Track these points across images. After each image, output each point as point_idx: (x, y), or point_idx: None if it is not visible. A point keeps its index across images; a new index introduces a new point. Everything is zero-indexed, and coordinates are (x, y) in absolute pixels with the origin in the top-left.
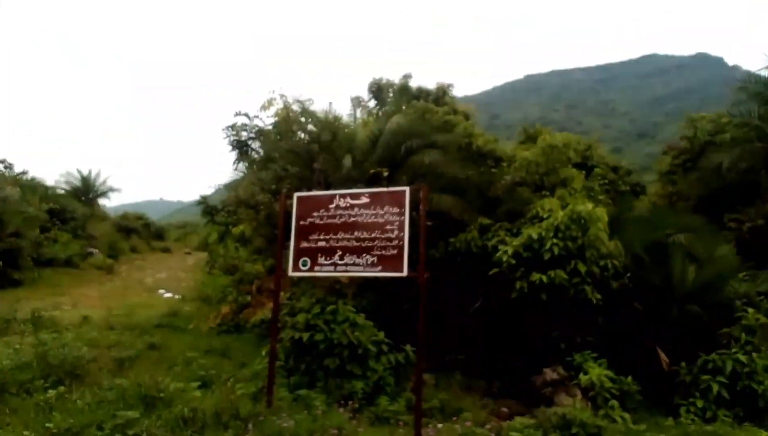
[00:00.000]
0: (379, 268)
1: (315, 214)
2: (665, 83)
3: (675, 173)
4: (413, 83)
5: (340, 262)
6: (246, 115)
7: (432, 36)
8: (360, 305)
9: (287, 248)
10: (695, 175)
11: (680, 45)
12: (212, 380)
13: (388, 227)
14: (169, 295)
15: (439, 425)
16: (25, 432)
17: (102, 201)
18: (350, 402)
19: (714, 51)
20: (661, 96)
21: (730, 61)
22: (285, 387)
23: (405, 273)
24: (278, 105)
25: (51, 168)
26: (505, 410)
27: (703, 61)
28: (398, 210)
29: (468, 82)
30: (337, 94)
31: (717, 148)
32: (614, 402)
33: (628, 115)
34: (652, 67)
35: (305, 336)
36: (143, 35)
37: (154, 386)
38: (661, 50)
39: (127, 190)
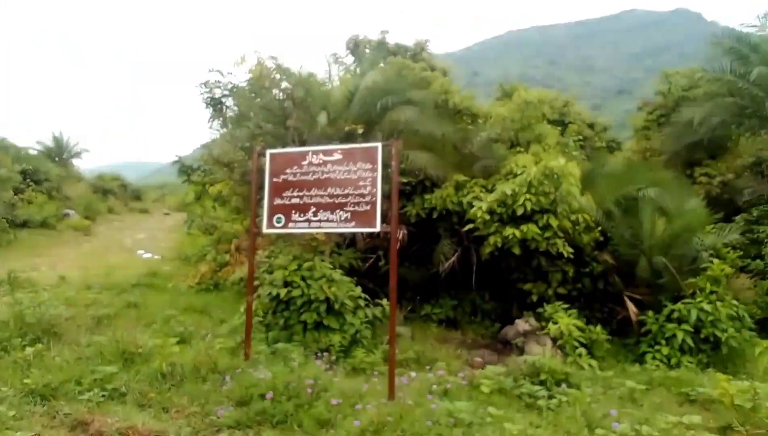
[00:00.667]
0: (353, 223)
1: (288, 171)
2: (645, 39)
3: (650, 129)
4: (391, 39)
5: (314, 218)
6: (219, 71)
7: None
8: (337, 261)
9: (262, 206)
10: (668, 130)
11: (659, 0)
12: (191, 336)
13: (361, 184)
14: (148, 255)
15: (413, 374)
16: (3, 388)
17: (76, 162)
18: (327, 354)
19: (693, 6)
20: (640, 52)
21: (709, 17)
22: (263, 342)
23: (378, 228)
24: (252, 62)
25: (27, 128)
26: (478, 359)
27: (682, 16)
28: (371, 166)
29: (448, 39)
30: (316, 51)
31: (690, 103)
32: (582, 350)
33: (608, 72)
34: (631, 23)
35: (283, 292)
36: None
37: (132, 342)
38: (641, 5)
39: (105, 152)
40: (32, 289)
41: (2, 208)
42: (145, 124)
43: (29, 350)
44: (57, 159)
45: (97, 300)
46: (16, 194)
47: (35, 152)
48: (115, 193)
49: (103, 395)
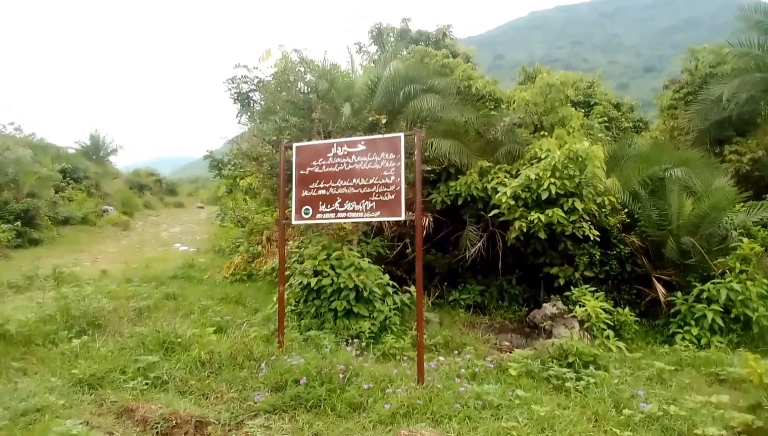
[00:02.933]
0: (378, 213)
1: (314, 163)
2: (673, 13)
3: (676, 108)
4: (413, 27)
5: (340, 209)
6: (245, 66)
7: None
8: (365, 250)
9: (291, 197)
10: (695, 108)
11: None
12: (227, 325)
13: (385, 173)
14: (184, 248)
15: (442, 359)
16: (53, 378)
17: (113, 159)
18: (357, 341)
19: None
20: (668, 27)
21: None
22: (296, 329)
23: (403, 217)
24: (277, 56)
25: (64, 128)
26: (506, 343)
27: None
28: (394, 156)
29: (472, 22)
30: (340, 42)
31: (718, 79)
32: (609, 332)
33: (635, 49)
34: None
35: (313, 281)
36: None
37: (172, 332)
38: None
39: (139, 148)
40: (76, 283)
41: (45, 206)
42: (176, 119)
43: (76, 341)
44: (94, 157)
45: (138, 292)
46: (57, 193)
47: (73, 151)
48: (150, 189)
49: (147, 383)
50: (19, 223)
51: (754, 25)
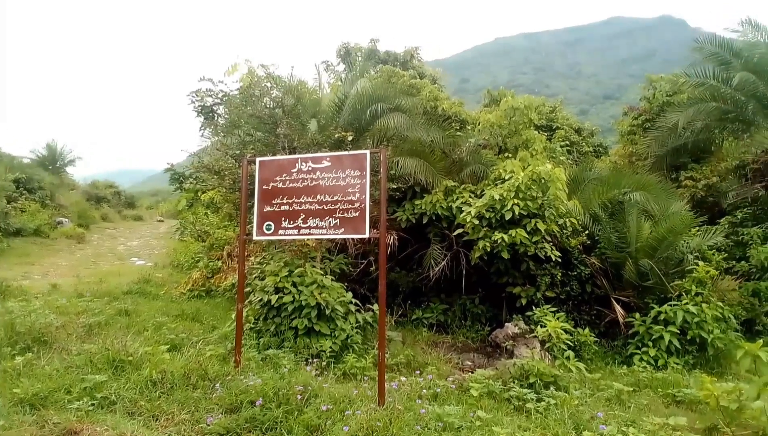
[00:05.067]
0: (342, 230)
1: (278, 178)
2: (630, 45)
3: (635, 134)
4: (381, 47)
5: (303, 225)
6: (210, 80)
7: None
8: (328, 267)
9: (253, 213)
10: (653, 134)
11: (645, 7)
12: (182, 343)
13: (350, 190)
14: (141, 262)
15: (403, 379)
16: None
17: (70, 170)
18: (318, 360)
19: (677, 13)
20: (626, 58)
21: (692, 24)
22: (254, 348)
23: (367, 234)
24: (243, 70)
25: (20, 137)
26: (468, 363)
27: (666, 23)
28: (359, 173)
29: (439, 46)
30: (308, 59)
31: (674, 108)
32: (570, 353)
33: (595, 78)
34: (618, 29)
35: (274, 298)
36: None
37: (122, 350)
38: (627, 13)
39: (99, 160)
40: (23, 297)
41: None
42: (139, 131)
43: (19, 359)
44: (50, 167)
45: (89, 308)
46: (9, 203)
47: (28, 161)
48: (108, 201)
49: (93, 404)
50: None
51: (709, 57)
